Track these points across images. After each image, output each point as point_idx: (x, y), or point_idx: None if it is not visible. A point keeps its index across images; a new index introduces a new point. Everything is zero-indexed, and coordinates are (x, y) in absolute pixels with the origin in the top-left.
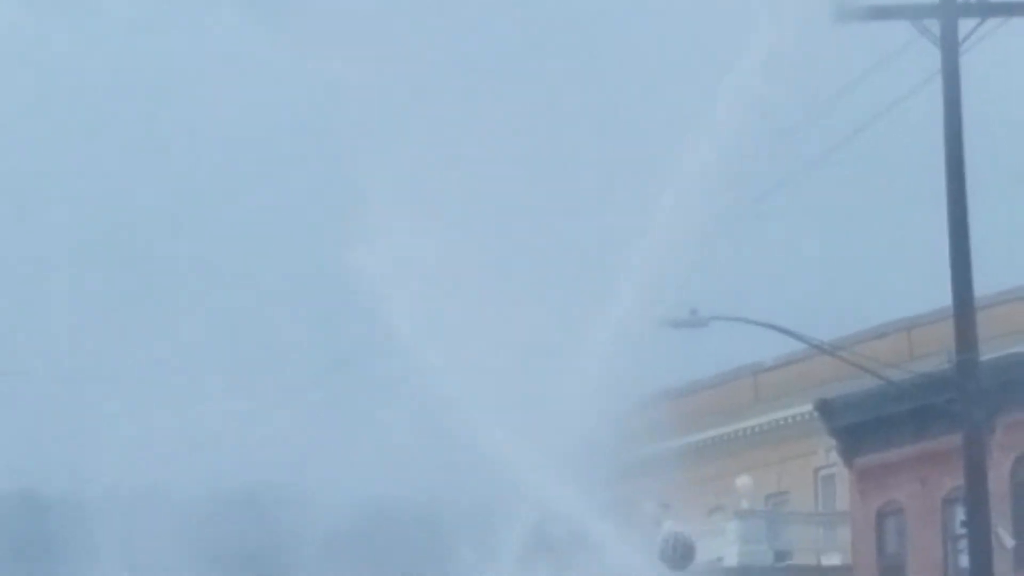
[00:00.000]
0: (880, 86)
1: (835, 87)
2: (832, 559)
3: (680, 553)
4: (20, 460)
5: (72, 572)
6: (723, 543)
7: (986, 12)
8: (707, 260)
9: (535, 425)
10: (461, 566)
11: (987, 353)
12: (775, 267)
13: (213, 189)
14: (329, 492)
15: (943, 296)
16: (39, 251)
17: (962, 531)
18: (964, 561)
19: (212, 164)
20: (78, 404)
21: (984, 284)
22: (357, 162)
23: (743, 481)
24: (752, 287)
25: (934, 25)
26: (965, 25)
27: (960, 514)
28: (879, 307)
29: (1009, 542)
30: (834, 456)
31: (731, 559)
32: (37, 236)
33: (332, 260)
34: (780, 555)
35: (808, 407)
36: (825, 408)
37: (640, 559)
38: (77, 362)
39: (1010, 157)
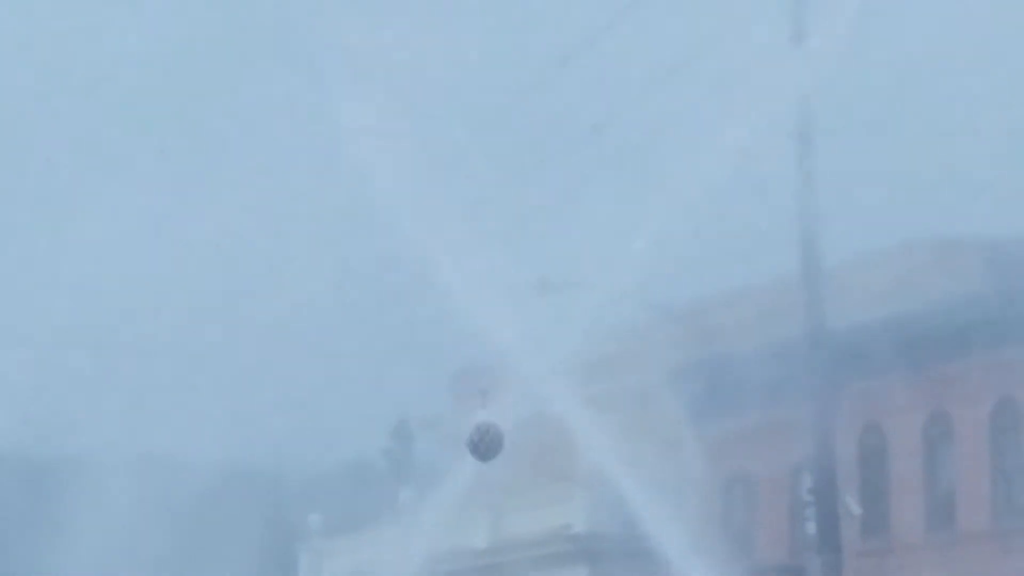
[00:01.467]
0: None
1: None
2: None
3: (488, 441)
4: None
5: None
6: (568, 511)
7: None
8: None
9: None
10: None
11: (837, 319)
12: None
13: None
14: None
15: (792, 263)
16: None
17: (809, 499)
18: (812, 528)
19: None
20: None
21: (834, 250)
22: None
23: None
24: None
25: None
26: None
27: (808, 482)
28: (729, 274)
29: (856, 510)
30: (680, 424)
31: (579, 527)
32: None
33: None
34: (626, 522)
35: (659, 375)
36: (675, 376)
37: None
38: None
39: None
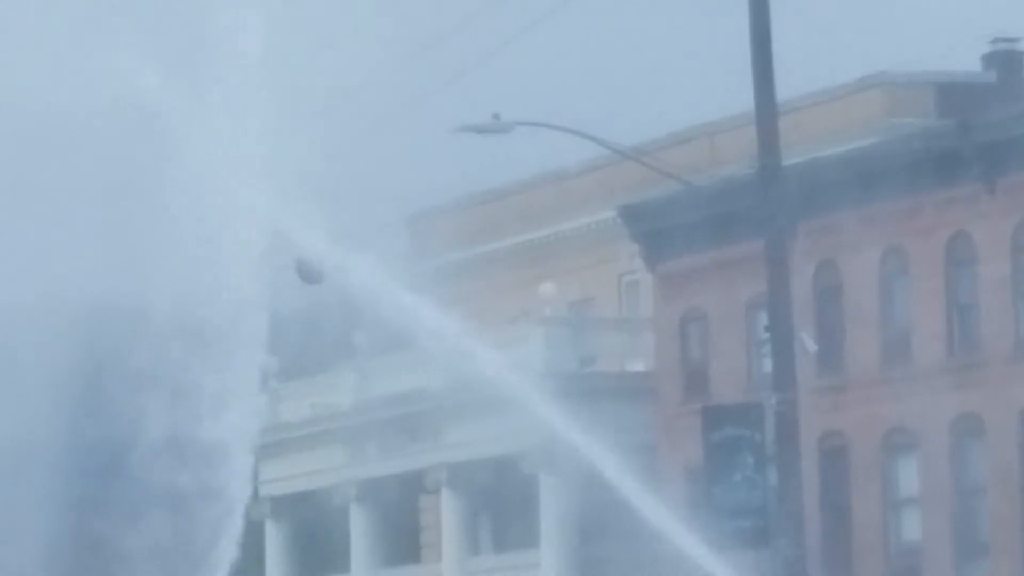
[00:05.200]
0: None
1: None
2: (636, 365)
3: (313, 270)
4: None
5: None
6: (528, 350)
7: None
8: (510, 65)
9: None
10: None
11: (790, 158)
12: (579, 73)
13: None
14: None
15: (746, 101)
16: None
17: (765, 336)
18: (767, 366)
19: None
20: None
21: (787, 88)
22: None
23: (547, 288)
24: (556, 93)
25: None
26: None
27: (763, 319)
28: (682, 112)
29: (812, 347)
30: (638, 262)
31: (536, 365)
32: None
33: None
34: (584, 361)
35: (612, 213)
36: (628, 213)
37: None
38: None
39: None
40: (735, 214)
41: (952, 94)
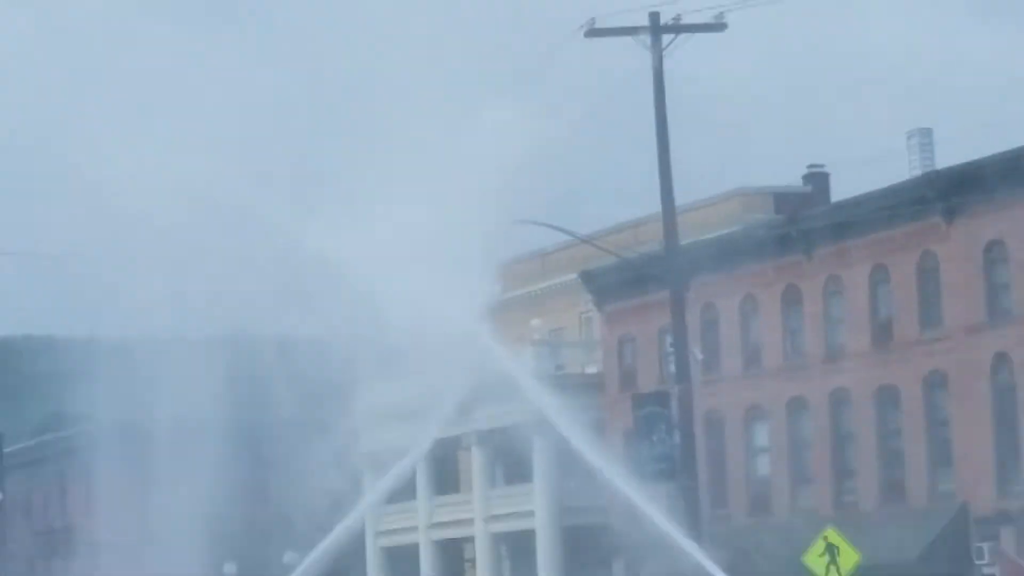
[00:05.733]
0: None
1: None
2: (591, 369)
3: None
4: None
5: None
6: (524, 360)
7: (679, 30)
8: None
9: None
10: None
11: (685, 239)
12: (550, 180)
13: None
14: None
15: (657, 204)
16: None
17: (670, 351)
18: (672, 368)
19: None
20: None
21: (682, 196)
22: None
23: (535, 322)
24: (536, 194)
25: (646, 39)
26: (667, 37)
27: (670, 340)
28: (620, 209)
29: (699, 356)
30: (592, 305)
31: (529, 369)
32: None
33: None
34: (559, 367)
35: (575, 276)
36: (586, 276)
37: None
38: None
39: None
40: (651, 276)
41: (784, 199)
